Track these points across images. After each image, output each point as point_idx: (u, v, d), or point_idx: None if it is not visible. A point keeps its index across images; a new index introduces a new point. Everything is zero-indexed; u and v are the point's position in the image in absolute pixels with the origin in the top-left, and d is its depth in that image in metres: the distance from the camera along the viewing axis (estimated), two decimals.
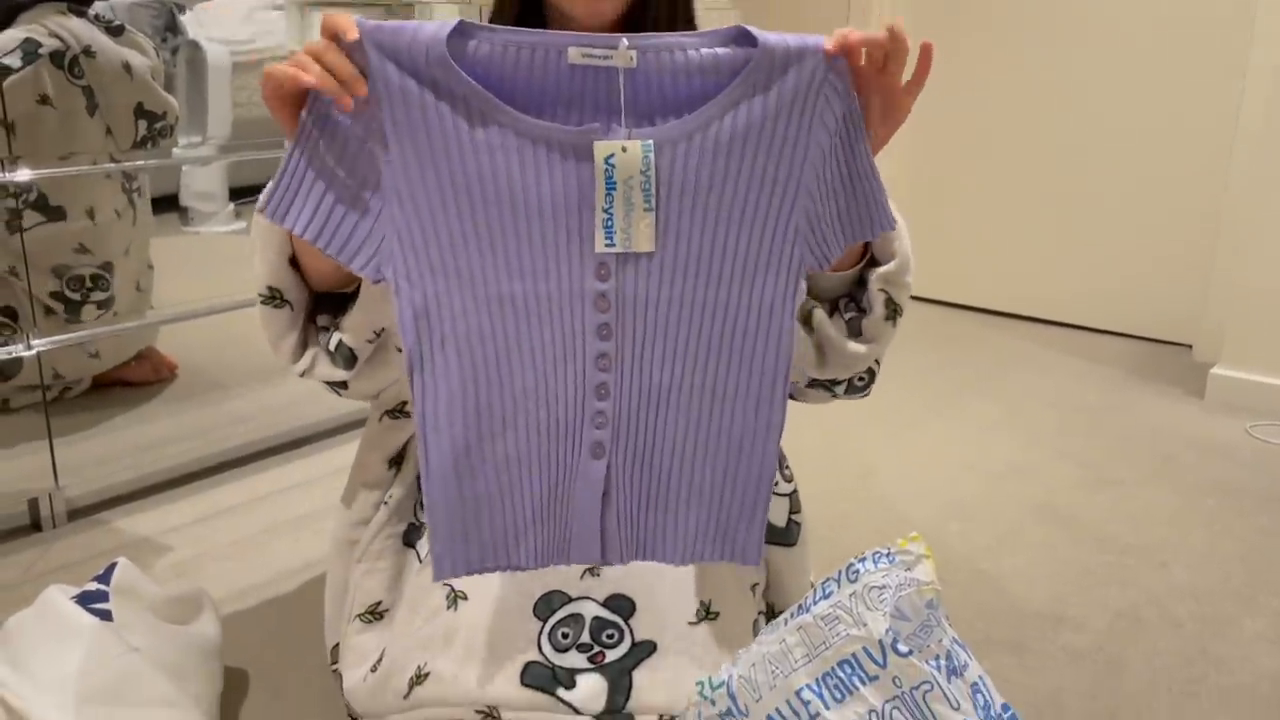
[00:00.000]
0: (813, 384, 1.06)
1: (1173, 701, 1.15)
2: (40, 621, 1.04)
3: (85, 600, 1.07)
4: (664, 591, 1.02)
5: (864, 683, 0.73)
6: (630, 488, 0.91)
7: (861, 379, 1.06)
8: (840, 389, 1.06)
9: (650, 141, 0.80)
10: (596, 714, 0.95)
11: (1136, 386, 2.18)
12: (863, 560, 0.77)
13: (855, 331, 1.01)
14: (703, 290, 0.88)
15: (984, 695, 0.75)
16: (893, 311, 1.00)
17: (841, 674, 0.73)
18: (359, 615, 1.09)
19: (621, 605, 1.01)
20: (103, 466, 1.64)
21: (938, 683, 0.72)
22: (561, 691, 0.95)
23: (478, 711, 0.96)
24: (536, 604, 1.00)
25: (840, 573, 0.77)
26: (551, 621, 0.98)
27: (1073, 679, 1.20)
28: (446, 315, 0.86)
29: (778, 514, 1.15)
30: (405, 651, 1.01)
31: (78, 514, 1.54)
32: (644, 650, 0.98)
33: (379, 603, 1.09)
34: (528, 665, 0.96)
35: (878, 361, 1.05)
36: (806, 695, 0.73)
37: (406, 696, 0.99)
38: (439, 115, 0.81)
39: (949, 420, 1.98)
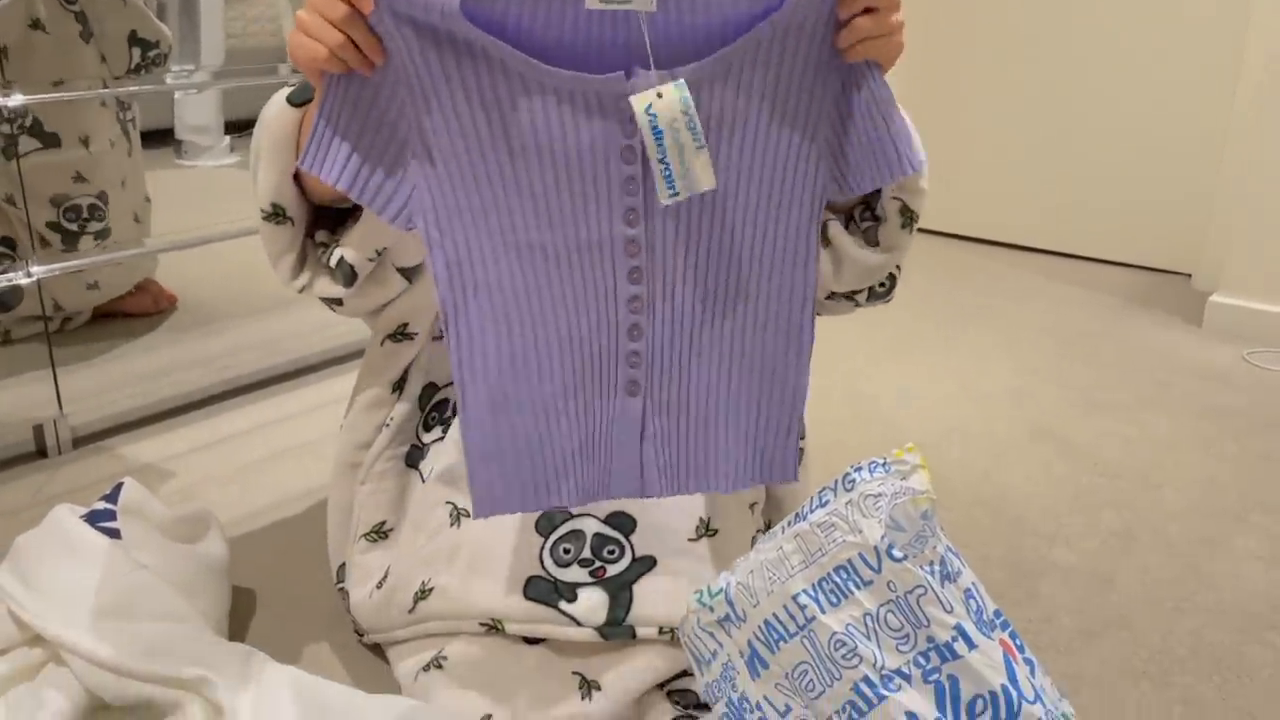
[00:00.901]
0: (833, 295, 1.06)
1: (1162, 616, 1.18)
2: (49, 540, 1.06)
3: (93, 519, 1.09)
4: (664, 509, 1.04)
5: (859, 587, 0.74)
6: (666, 420, 0.93)
7: (883, 284, 1.06)
8: (862, 297, 1.07)
9: (682, 80, 0.78)
10: (597, 626, 0.97)
11: (1135, 314, 2.19)
12: (859, 469, 0.78)
13: (872, 241, 1.01)
14: (731, 227, 0.88)
15: (976, 601, 0.76)
16: (909, 219, 0.99)
17: (837, 579, 0.74)
18: (364, 535, 1.11)
19: (622, 522, 1.02)
20: (106, 395, 1.65)
21: (931, 587, 0.73)
22: (563, 605, 0.97)
23: (481, 624, 0.98)
24: (538, 521, 1.01)
25: (837, 482, 0.78)
26: (553, 537, 1.00)
27: (1065, 595, 1.22)
28: (478, 263, 0.87)
29: None
30: (410, 568, 1.03)
31: (82, 441, 1.55)
32: (644, 565, 1.00)
33: (383, 522, 1.10)
34: (530, 579, 0.98)
35: (898, 267, 1.05)
36: (803, 600, 0.74)
37: (411, 611, 1.01)
38: (459, 70, 0.81)
39: (947, 348, 1.98)
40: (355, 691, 0.98)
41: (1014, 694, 0.72)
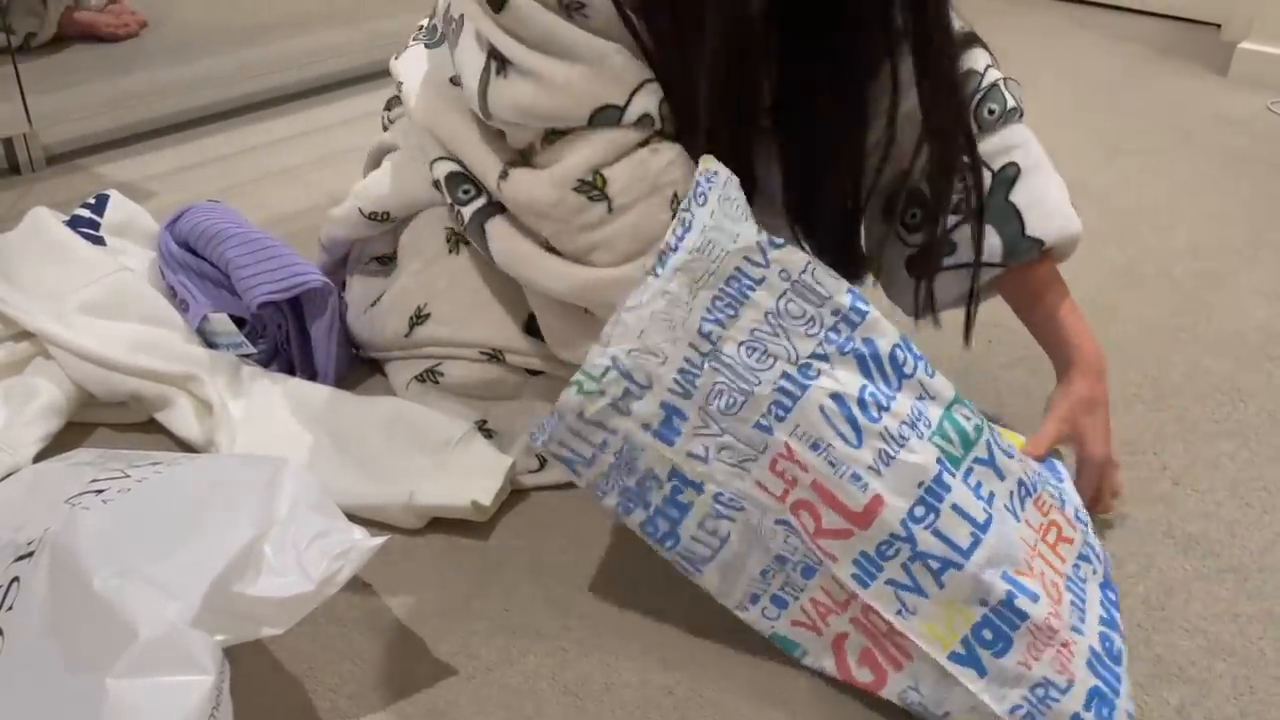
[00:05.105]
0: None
1: (1160, 345, 1.17)
2: (31, 239, 1.03)
3: (75, 224, 1.06)
4: None
5: (753, 289, 0.70)
6: None
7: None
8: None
9: None
10: None
11: (1158, 63, 2.09)
12: (699, 183, 0.72)
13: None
14: None
15: None
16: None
17: (731, 291, 0.70)
18: (370, 260, 1.07)
19: None
20: (78, 114, 1.58)
21: (818, 261, 0.72)
22: None
23: (482, 353, 0.96)
24: None
25: (689, 199, 0.72)
26: None
27: None
28: None
29: None
30: (404, 291, 0.99)
31: (56, 159, 1.50)
32: None
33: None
34: (531, 317, 0.94)
35: None
36: (706, 328, 0.70)
37: (407, 335, 0.99)
38: None
39: None
40: (347, 394, 0.98)
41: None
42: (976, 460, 0.72)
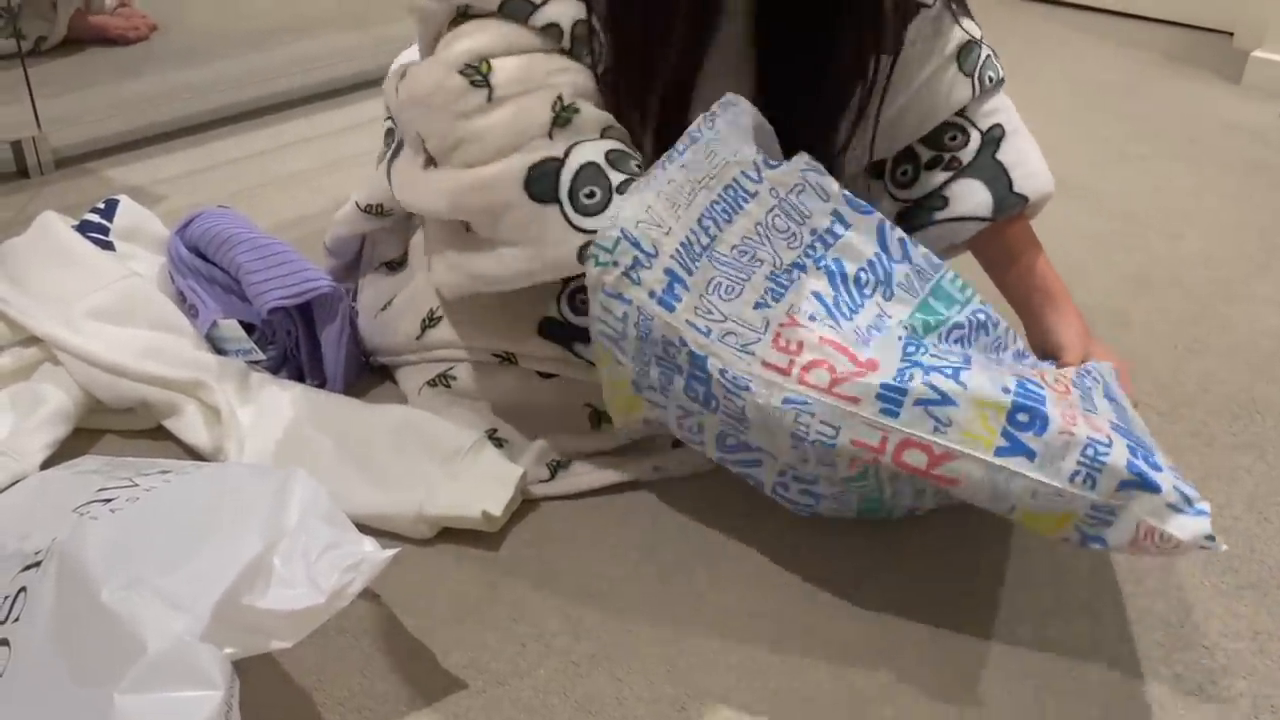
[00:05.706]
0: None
1: (1174, 355, 1.16)
2: (40, 243, 1.02)
3: (85, 229, 1.05)
4: None
5: (746, 201, 0.78)
6: None
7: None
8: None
9: None
10: None
11: (1169, 71, 2.08)
12: (710, 115, 0.81)
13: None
14: None
15: (849, 195, 0.81)
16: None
17: (727, 198, 0.78)
18: (380, 265, 1.07)
19: None
20: (87, 117, 1.58)
21: (807, 182, 0.79)
22: (578, 347, 0.93)
23: (494, 355, 0.96)
24: None
25: (699, 122, 0.81)
26: (572, 286, 0.95)
27: None
28: None
29: None
30: (417, 293, 0.99)
31: (66, 163, 1.49)
32: None
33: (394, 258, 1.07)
34: (544, 320, 0.94)
35: None
36: (705, 222, 0.77)
37: (419, 338, 0.98)
38: None
39: None
40: (356, 401, 0.97)
41: (884, 258, 0.79)
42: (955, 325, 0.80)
